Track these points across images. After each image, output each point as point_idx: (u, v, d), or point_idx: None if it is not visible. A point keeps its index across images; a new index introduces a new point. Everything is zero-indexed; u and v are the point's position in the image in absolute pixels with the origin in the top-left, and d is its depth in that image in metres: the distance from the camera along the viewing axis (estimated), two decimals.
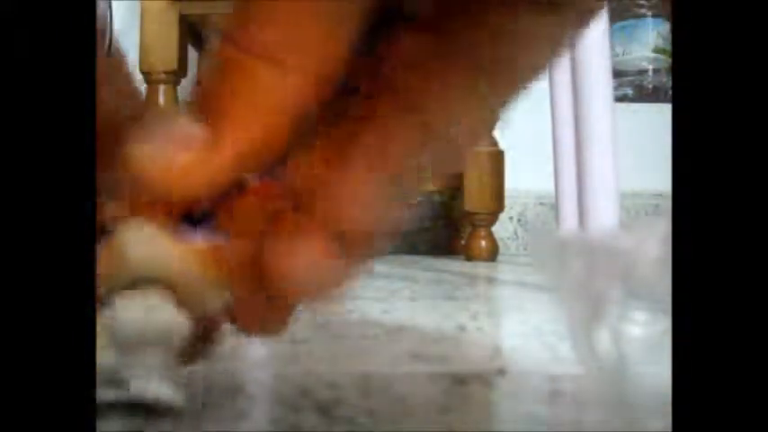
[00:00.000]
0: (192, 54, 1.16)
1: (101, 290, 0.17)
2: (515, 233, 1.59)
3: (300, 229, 0.16)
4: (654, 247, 0.16)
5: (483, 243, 1.24)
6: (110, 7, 1.13)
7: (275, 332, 0.19)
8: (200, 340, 0.19)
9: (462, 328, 0.41)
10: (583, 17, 0.17)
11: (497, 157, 1.20)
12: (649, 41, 1.55)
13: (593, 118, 0.67)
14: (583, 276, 0.18)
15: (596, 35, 0.66)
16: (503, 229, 1.52)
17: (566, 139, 0.80)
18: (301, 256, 0.16)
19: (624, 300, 0.18)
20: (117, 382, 0.18)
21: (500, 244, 1.30)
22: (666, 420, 0.13)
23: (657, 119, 1.48)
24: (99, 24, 0.16)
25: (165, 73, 1.08)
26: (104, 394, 0.18)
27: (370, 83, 0.17)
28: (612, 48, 1.30)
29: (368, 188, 0.17)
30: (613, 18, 1.49)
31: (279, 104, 0.16)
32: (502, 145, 1.20)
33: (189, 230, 0.17)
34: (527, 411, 0.22)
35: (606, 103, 0.68)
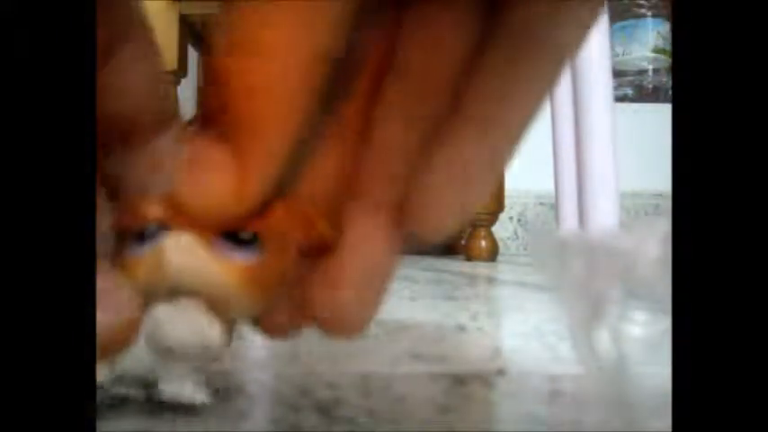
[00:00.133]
0: (192, 54, 1.16)
1: (141, 297, 0.17)
2: (515, 233, 1.60)
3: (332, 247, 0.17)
4: (654, 247, 0.16)
5: (483, 243, 1.24)
6: None
7: (294, 335, 0.19)
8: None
9: (462, 328, 0.41)
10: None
11: None
12: (649, 41, 1.55)
13: (593, 118, 0.67)
14: (583, 276, 0.18)
15: (596, 35, 0.66)
16: (503, 229, 1.52)
17: (566, 139, 0.80)
18: (340, 294, 0.17)
19: (624, 300, 0.18)
20: (148, 383, 0.19)
21: (500, 244, 1.30)
22: (666, 420, 0.13)
23: (657, 119, 1.48)
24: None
25: (165, 73, 1.08)
26: (137, 394, 0.18)
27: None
28: (612, 48, 1.30)
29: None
30: (613, 18, 1.49)
31: (285, 99, 0.15)
32: None
33: (229, 246, 0.17)
34: (527, 411, 0.22)
35: (606, 103, 0.68)
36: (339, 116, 0.17)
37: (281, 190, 0.16)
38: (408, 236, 0.18)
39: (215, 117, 0.15)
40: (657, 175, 1.40)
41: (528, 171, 1.33)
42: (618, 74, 1.52)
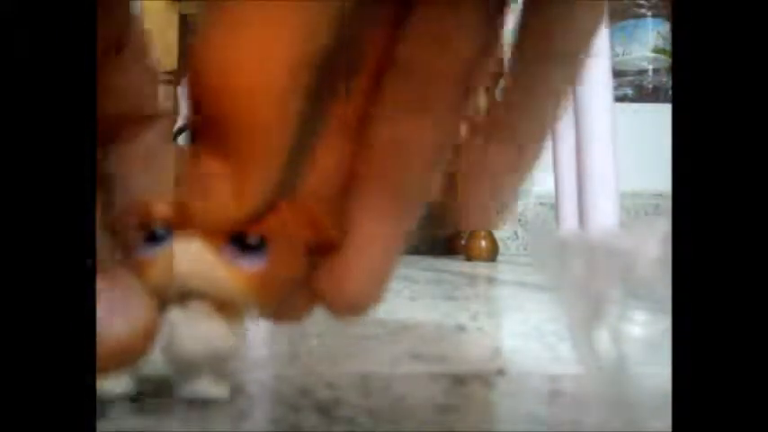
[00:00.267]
0: None
1: (155, 300, 0.17)
2: (515, 233, 1.59)
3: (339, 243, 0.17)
4: (654, 247, 0.16)
5: (483, 243, 1.24)
6: None
7: (301, 319, 0.19)
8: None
9: (462, 328, 0.41)
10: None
11: None
12: (649, 41, 1.55)
13: (594, 118, 0.67)
14: (583, 276, 0.18)
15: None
16: (503, 229, 1.52)
17: (566, 139, 0.80)
18: (348, 285, 0.17)
19: (624, 300, 0.18)
20: (167, 383, 0.20)
21: (500, 244, 1.30)
22: (666, 420, 0.13)
23: (657, 119, 1.48)
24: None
25: (165, 73, 1.08)
26: (156, 392, 0.19)
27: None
28: (612, 48, 1.30)
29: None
30: (613, 18, 1.49)
31: (275, 100, 0.15)
32: None
33: (236, 253, 0.17)
34: (527, 411, 0.22)
35: (606, 103, 0.68)
36: (338, 114, 0.17)
37: (284, 190, 0.16)
38: (409, 235, 0.18)
39: (206, 120, 0.15)
40: (657, 175, 1.40)
41: None
42: (618, 74, 1.52)
